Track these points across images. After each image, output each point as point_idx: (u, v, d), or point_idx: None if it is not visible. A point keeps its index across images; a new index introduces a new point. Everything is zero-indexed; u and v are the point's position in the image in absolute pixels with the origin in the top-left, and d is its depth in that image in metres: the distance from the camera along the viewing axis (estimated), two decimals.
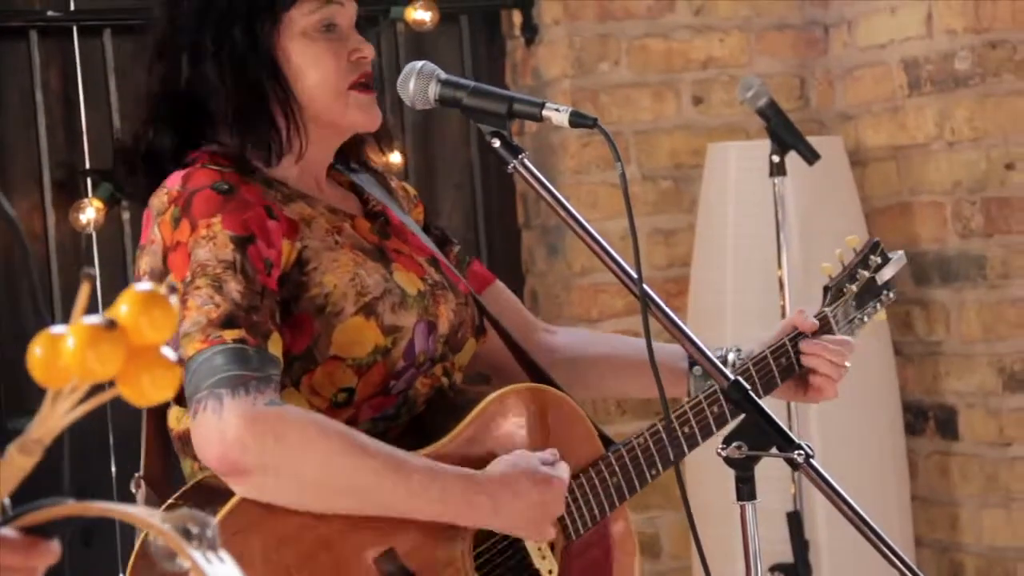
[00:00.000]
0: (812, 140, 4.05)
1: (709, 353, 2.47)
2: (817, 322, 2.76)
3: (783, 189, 4.00)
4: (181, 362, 2.33)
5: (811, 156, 4.00)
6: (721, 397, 2.63)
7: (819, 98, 4.79)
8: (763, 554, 2.70)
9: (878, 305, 2.86)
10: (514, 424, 2.65)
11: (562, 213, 2.52)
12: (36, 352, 1.32)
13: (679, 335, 2.45)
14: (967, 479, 4.43)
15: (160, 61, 2.60)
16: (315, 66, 2.59)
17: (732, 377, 2.42)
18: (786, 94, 4.64)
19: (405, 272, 2.61)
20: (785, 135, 3.99)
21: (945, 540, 4.51)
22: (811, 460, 2.36)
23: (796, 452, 2.36)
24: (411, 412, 2.61)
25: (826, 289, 2.82)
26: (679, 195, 4.63)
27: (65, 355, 1.30)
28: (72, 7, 4.41)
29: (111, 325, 1.30)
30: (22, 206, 4.31)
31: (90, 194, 4.31)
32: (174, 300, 1.34)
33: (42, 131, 4.30)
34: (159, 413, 2.58)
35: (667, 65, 4.67)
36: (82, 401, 1.33)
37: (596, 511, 2.66)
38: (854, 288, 2.82)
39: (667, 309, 2.48)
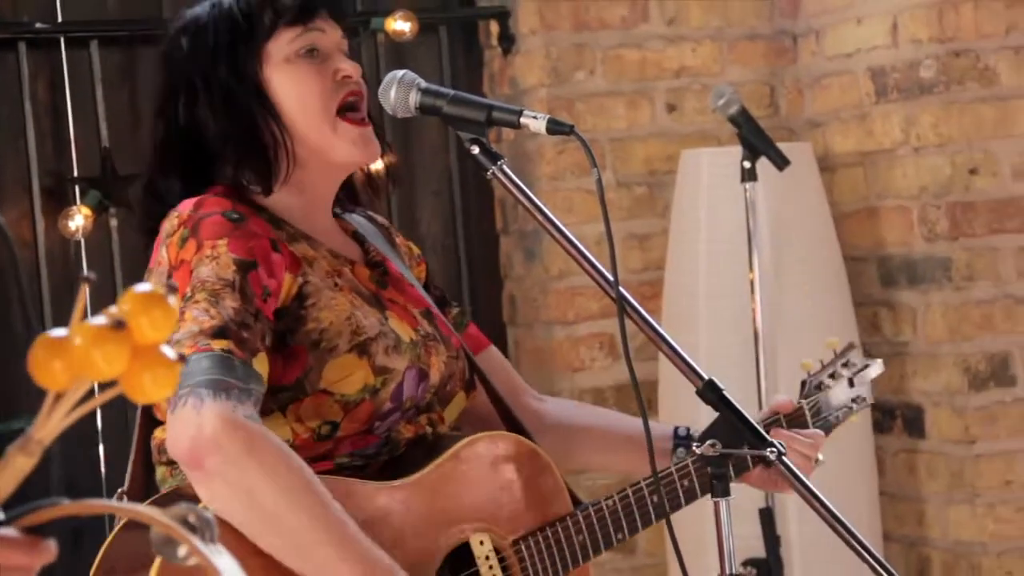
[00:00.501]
0: (782, 146, 4.06)
1: (684, 354, 2.47)
2: (794, 402, 2.75)
3: (754, 194, 4.01)
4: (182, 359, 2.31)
5: (781, 162, 4.01)
6: (692, 469, 2.60)
7: (789, 106, 4.79)
8: (736, 549, 2.71)
9: (855, 407, 2.84)
10: (487, 467, 2.64)
11: (540, 218, 2.52)
12: (37, 354, 1.31)
13: (654, 336, 2.46)
14: (934, 476, 4.44)
15: (161, 111, 2.62)
16: (298, 88, 2.59)
17: (707, 377, 2.41)
18: (757, 102, 4.65)
19: (399, 321, 2.61)
20: (756, 142, 4.01)
21: (912, 535, 4.51)
22: (783, 457, 2.39)
23: (768, 450, 2.39)
24: (391, 454, 2.60)
25: (803, 383, 2.80)
26: (653, 200, 4.64)
27: (72, 355, 1.30)
28: (60, 19, 4.41)
29: (119, 325, 1.30)
30: (12, 214, 4.30)
31: (78, 201, 4.31)
32: (173, 300, 1.33)
33: (31, 140, 4.30)
34: (148, 432, 2.57)
35: (641, 74, 4.67)
36: (81, 402, 1.33)
37: (559, 566, 2.64)
38: (832, 384, 2.81)
39: (643, 312, 2.49)
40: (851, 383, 2.83)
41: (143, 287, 1.34)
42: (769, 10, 4.77)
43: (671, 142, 4.63)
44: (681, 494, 2.61)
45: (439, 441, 2.63)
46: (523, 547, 2.63)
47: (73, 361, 1.30)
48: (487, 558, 2.60)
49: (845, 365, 2.83)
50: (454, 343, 2.71)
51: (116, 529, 2.46)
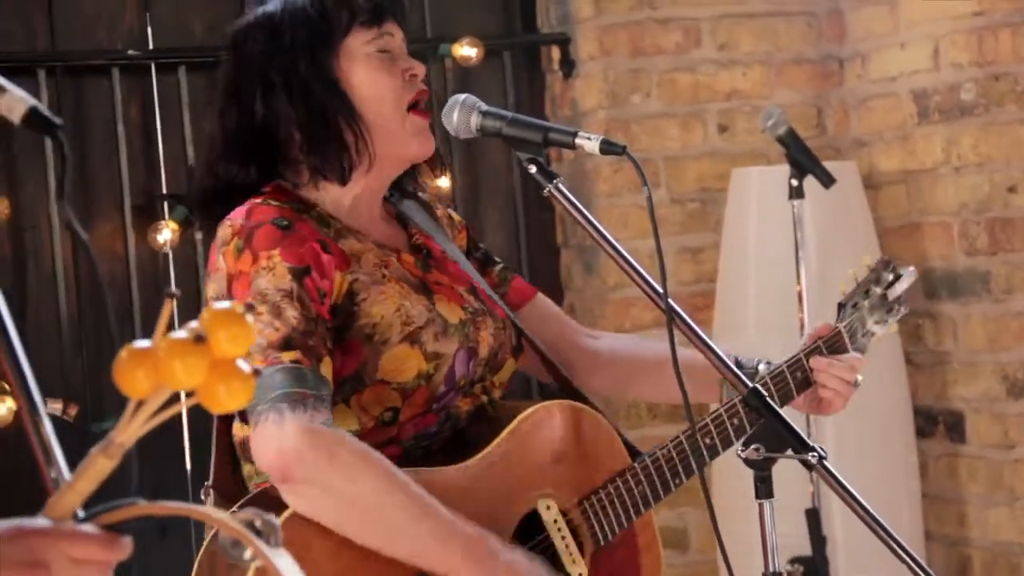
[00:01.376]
0: (828, 165, 4.05)
1: (729, 362, 2.47)
2: (834, 326, 2.74)
3: (801, 211, 4.00)
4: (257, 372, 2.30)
5: (827, 180, 4.00)
6: (740, 408, 2.60)
7: (835, 126, 4.77)
8: (783, 547, 2.68)
9: (890, 318, 2.82)
10: (545, 438, 2.64)
11: (593, 233, 2.51)
12: (121, 363, 1.33)
13: (701, 346, 2.45)
14: (974, 479, 4.43)
15: (232, 102, 2.61)
16: (375, 84, 2.59)
17: (751, 385, 2.42)
18: (804, 123, 4.63)
19: (447, 303, 2.61)
20: (803, 160, 3.99)
21: (953, 535, 4.49)
22: (824, 462, 2.36)
23: (810, 454, 2.36)
24: (453, 428, 2.61)
25: (840, 306, 2.79)
26: (705, 216, 4.63)
27: (154, 366, 1.32)
28: (151, 46, 4.43)
29: (199, 339, 1.32)
30: (105, 228, 4.34)
31: (166, 216, 4.33)
32: (250, 318, 1.35)
33: (123, 160, 4.32)
34: (226, 426, 2.60)
35: (694, 97, 4.66)
36: (161, 409, 1.35)
37: (623, 518, 2.65)
38: (866, 304, 2.79)
39: (690, 321, 2.46)
40: (885, 297, 2.81)
41: (222, 304, 1.36)
42: (816, 36, 4.76)
43: (722, 161, 4.61)
44: (731, 432, 2.61)
45: (498, 412, 2.64)
46: (587, 506, 2.63)
47: (155, 371, 1.32)
48: (555, 522, 2.60)
49: (877, 281, 2.80)
50: (499, 314, 2.71)
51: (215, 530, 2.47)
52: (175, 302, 1.37)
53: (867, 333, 2.80)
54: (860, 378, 2.71)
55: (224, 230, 2.50)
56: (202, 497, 2.62)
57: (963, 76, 4.35)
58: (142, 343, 1.33)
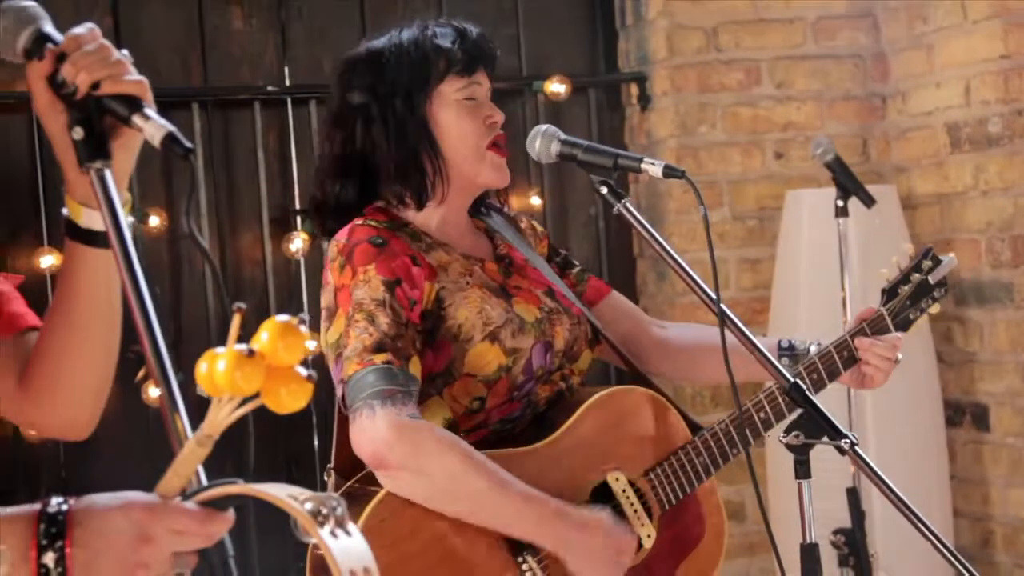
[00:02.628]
0: (871, 188, 4.00)
1: (773, 359, 2.43)
2: (877, 309, 2.69)
3: (846, 228, 3.96)
4: (343, 383, 2.30)
5: (868, 201, 3.95)
6: (806, 375, 2.58)
7: (877, 154, 4.76)
8: (829, 520, 2.64)
9: (931, 301, 2.75)
10: (613, 418, 2.63)
11: (655, 245, 2.51)
12: (201, 368, 1.33)
13: (747, 344, 2.43)
14: (997, 463, 4.43)
15: (337, 127, 2.62)
16: (460, 128, 2.60)
17: (792, 380, 2.39)
18: (851, 151, 4.62)
19: (524, 304, 2.60)
20: (848, 184, 3.94)
21: (978, 512, 4.50)
22: (855, 447, 2.33)
23: (843, 441, 2.34)
24: (534, 412, 2.60)
25: (883, 291, 2.75)
26: (763, 232, 4.62)
27: (217, 375, 1.31)
28: (287, 83, 4.44)
29: (251, 353, 1.31)
30: (247, 237, 4.39)
31: (298, 228, 4.37)
32: (304, 329, 1.33)
33: (262, 180, 4.35)
34: (344, 420, 2.56)
35: (754, 128, 4.66)
36: (240, 405, 1.34)
37: (686, 485, 2.64)
38: (907, 289, 2.74)
39: (738, 322, 2.44)
40: (927, 282, 2.75)
41: (281, 318, 1.34)
42: (862, 76, 4.73)
43: (778, 184, 4.62)
44: (784, 408, 2.58)
45: (573, 396, 2.63)
46: (653, 476, 2.62)
47: (218, 378, 1.32)
48: (624, 491, 2.59)
49: (919, 269, 2.75)
50: (575, 311, 2.69)
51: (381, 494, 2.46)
52: (244, 316, 1.35)
53: (909, 315, 2.73)
54: (900, 355, 2.67)
55: (332, 248, 2.53)
56: (324, 477, 2.64)
57: (990, 111, 4.33)
58: (220, 349, 1.33)
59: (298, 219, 4.40)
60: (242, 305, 1.36)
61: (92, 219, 1.71)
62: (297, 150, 4.42)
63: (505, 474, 2.46)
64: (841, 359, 2.68)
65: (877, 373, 2.68)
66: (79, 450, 4.06)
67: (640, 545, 2.60)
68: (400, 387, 2.41)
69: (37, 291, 3.93)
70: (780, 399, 2.60)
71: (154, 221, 4.28)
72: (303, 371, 1.34)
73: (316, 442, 4.36)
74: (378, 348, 2.43)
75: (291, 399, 1.34)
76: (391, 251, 2.50)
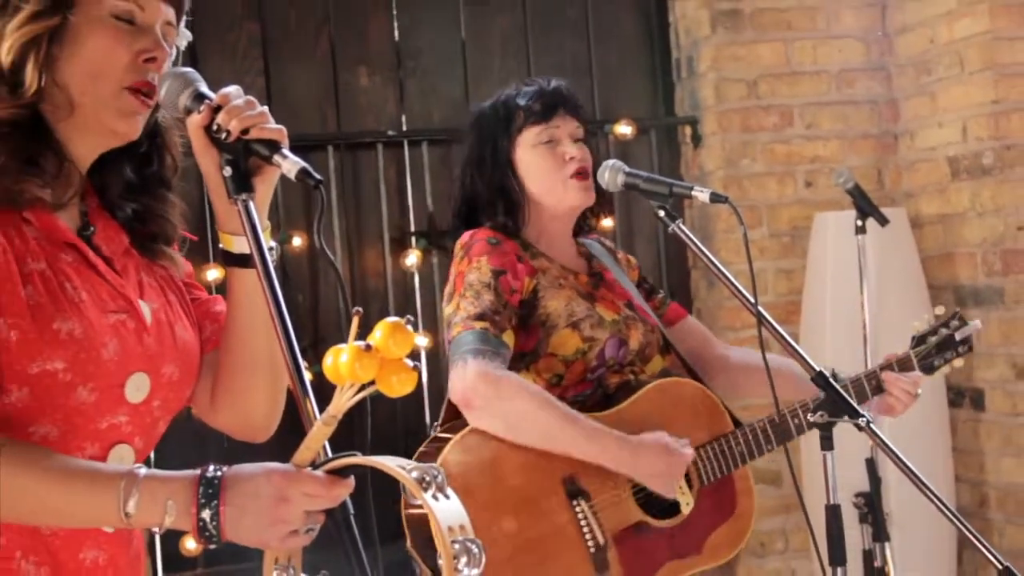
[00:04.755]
0: (885, 211, 3.86)
1: (803, 352, 2.42)
2: (907, 352, 2.69)
3: (864, 244, 3.80)
4: (450, 343, 2.30)
5: (883, 221, 3.77)
6: (813, 407, 2.45)
7: (890, 183, 4.72)
8: (851, 485, 2.61)
9: (955, 354, 2.73)
10: (669, 401, 2.64)
11: (703, 258, 2.51)
12: (327, 361, 1.35)
13: (782, 340, 2.42)
14: (991, 438, 4.40)
15: (463, 171, 2.72)
16: (538, 165, 2.64)
17: (818, 368, 2.38)
18: (868, 180, 4.59)
19: (605, 308, 2.63)
20: (866, 207, 3.77)
21: (976, 478, 4.46)
22: (871, 424, 2.33)
23: (860, 419, 2.34)
24: (604, 394, 2.61)
25: (913, 338, 2.73)
26: (795, 246, 4.58)
27: (341, 366, 1.34)
28: (404, 128, 4.43)
29: (368, 348, 1.33)
30: (371, 254, 4.38)
31: (413, 246, 4.36)
32: (411, 328, 1.36)
33: (384, 207, 4.35)
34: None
35: (787, 161, 4.62)
36: (358, 392, 1.37)
37: (723, 467, 2.62)
38: (935, 339, 2.72)
39: (775, 324, 2.44)
40: (953, 337, 2.74)
41: (392, 319, 1.36)
42: (877, 118, 4.70)
43: (808, 207, 4.58)
44: (809, 421, 2.48)
45: (637, 384, 2.64)
46: (699, 454, 2.61)
47: (341, 369, 1.34)
48: None
49: (946, 326, 2.74)
50: (651, 322, 2.69)
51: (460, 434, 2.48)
52: (363, 319, 1.36)
53: (933, 362, 2.71)
54: (920, 391, 2.65)
55: (457, 246, 2.61)
56: (432, 432, 2.64)
57: (984, 147, 4.32)
58: (340, 346, 1.34)
59: (412, 239, 4.40)
60: (359, 309, 1.36)
61: (242, 245, 1.70)
62: (412, 182, 4.42)
63: (573, 411, 2.46)
64: (869, 386, 2.66)
65: (898, 403, 2.66)
66: None
67: (678, 511, 2.58)
68: (492, 348, 2.44)
69: None
70: (809, 414, 2.51)
71: (297, 241, 4.30)
72: (410, 363, 1.35)
73: (427, 419, 4.37)
74: (479, 317, 2.47)
75: (401, 385, 1.34)
76: (502, 249, 2.57)
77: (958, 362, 2.76)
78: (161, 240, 1.73)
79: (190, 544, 3.99)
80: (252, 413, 1.75)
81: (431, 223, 4.40)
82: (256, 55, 4.33)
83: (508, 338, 2.49)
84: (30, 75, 1.58)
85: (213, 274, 4.14)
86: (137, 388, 1.60)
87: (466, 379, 2.42)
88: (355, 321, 1.34)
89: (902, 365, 2.69)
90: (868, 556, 3.31)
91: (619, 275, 2.77)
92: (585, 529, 2.48)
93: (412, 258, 4.38)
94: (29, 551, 1.55)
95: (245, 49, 4.33)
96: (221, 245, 1.73)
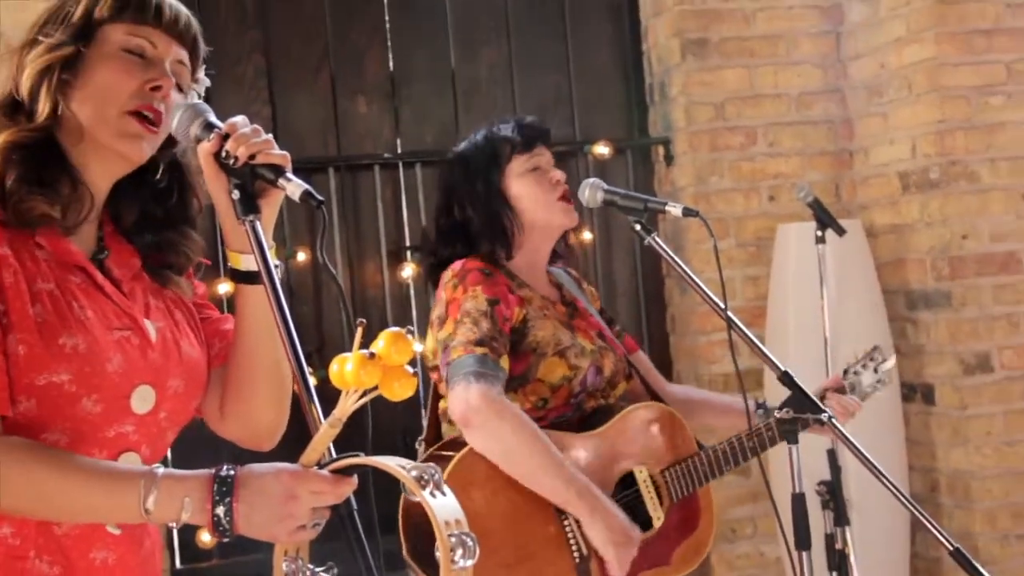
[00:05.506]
0: (842, 222, 3.92)
1: (769, 353, 2.43)
2: (840, 380, 2.69)
3: (824, 252, 3.87)
4: (447, 364, 2.23)
5: (841, 231, 3.87)
6: (773, 426, 2.50)
7: (846, 196, 4.73)
8: (815, 474, 2.59)
9: (878, 387, 2.75)
10: (641, 426, 2.61)
11: (676, 268, 2.55)
12: (333, 368, 1.35)
13: (749, 342, 2.46)
14: (941, 429, 4.40)
15: (443, 207, 2.66)
16: (529, 191, 2.62)
17: (783, 368, 2.40)
18: (826, 194, 4.59)
19: (583, 337, 2.61)
20: (825, 219, 3.84)
21: (927, 466, 4.46)
22: (832, 420, 2.37)
23: (823, 415, 2.38)
24: (581, 416, 2.60)
25: (844, 371, 2.73)
26: (761, 256, 4.58)
27: (346, 373, 1.34)
28: (399, 151, 4.42)
29: (372, 356, 1.33)
30: (369, 266, 4.36)
31: (409, 259, 4.35)
32: (411, 337, 1.35)
33: (381, 223, 4.33)
34: (436, 402, 2.60)
35: (752, 177, 4.62)
36: (362, 397, 1.37)
37: (691, 485, 2.61)
38: (862, 372, 2.73)
39: (743, 327, 2.45)
40: (876, 371, 2.75)
41: (393, 329, 1.35)
42: (834, 136, 4.69)
43: (772, 219, 4.58)
44: (767, 440, 2.58)
45: (612, 408, 2.62)
46: (667, 474, 2.61)
47: (346, 376, 1.34)
48: (645, 481, 2.59)
49: (871, 359, 2.76)
50: (618, 351, 2.68)
51: (461, 453, 2.46)
52: (366, 330, 1.35)
53: (862, 391, 2.72)
54: (858, 412, 2.66)
55: (447, 274, 2.56)
56: (416, 446, 2.64)
57: (931, 163, 4.33)
58: (345, 355, 1.34)
59: (408, 253, 4.39)
60: (363, 320, 1.36)
61: (248, 262, 1.69)
62: (407, 201, 4.41)
63: (560, 456, 2.43)
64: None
65: (839, 417, 2.61)
66: None
67: (651, 526, 2.57)
68: (492, 372, 2.41)
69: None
70: (765, 435, 2.56)
71: (301, 256, 4.30)
72: (410, 369, 1.35)
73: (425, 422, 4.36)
74: (479, 343, 2.43)
75: (402, 390, 1.35)
76: (495, 280, 2.53)
77: (880, 394, 2.78)
78: (173, 270, 1.72)
79: (205, 537, 4.00)
80: (258, 423, 1.74)
81: (425, 238, 4.34)
82: (263, 86, 4.34)
83: (504, 363, 2.46)
84: (43, 101, 1.59)
85: (224, 288, 4.15)
86: (143, 400, 1.59)
87: (469, 400, 2.38)
88: (359, 332, 1.34)
89: (838, 391, 2.69)
90: (830, 539, 3.32)
91: (587, 304, 2.76)
92: (572, 541, 2.47)
93: (408, 271, 4.37)
94: (43, 550, 1.54)
95: (252, 81, 4.34)
96: (229, 263, 1.72)
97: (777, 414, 2.43)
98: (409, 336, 1.35)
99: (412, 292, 4.42)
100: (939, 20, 4.26)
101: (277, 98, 4.34)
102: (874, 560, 4.13)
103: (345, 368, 1.32)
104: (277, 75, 4.35)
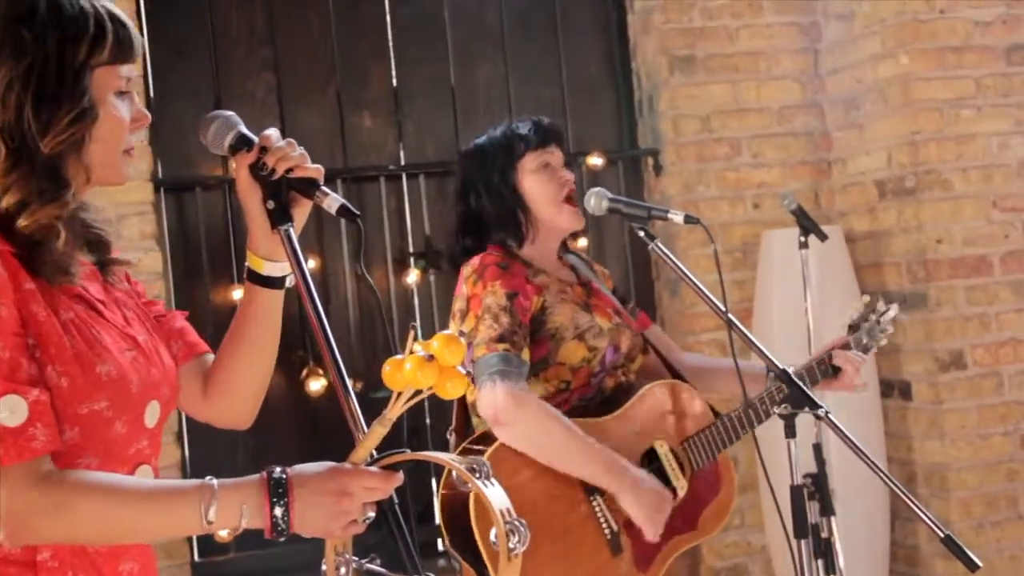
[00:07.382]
0: (824, 228, 3.75)
1: (767, 352, 2.44)
2: (845, 338, 2.70)
3: (807, 257, 3.68)
4: (472, 362, 2.29)
5: (822, 237, 3.63)
6: (775, 393, 2.54)
7: (826, 203, 4.73)
8: (801, 466, 2.67)
9: (882, 336, 2.75)
10: (660, 402, 2.64)
11: (678, 273, 2.55)
12: (386, 369, 1.35)
13: (750, 343, 2.45)
14: (917, 424, 4.41)
15: (460, 198, 2.67)
16: (540, 189, 2.62)
17: (782, 367, 2.42)
18: (807, 201, 4.61)
19: (601, 317, 2.60)
20: (807, 225, 3.61)
21: (905, 458, 4.47)
22: (829, 415, 2.35)
23: (820, 411, 2.37)
24: (603, 395, 2.62)
25: (849, 327, 2.74)
26: (746, 260, 4.59)
27: (405, 373, 1.34)
28: (402, 163, 4.42)
29: (431, 359, 1.34)
30: (377, 272, 4.36)
31: (412, 266, 4.35)
32: (463, 340, 1.36)
33: (387, 232, 4.34)
34: (464, 395, 2.53)
35: (737, 186, 4.63)
36: (412, 397, 1.38)
37: (710, 453, 2.62)
38: (866, 326, 2.73)
39: (742, 327, 2.46)
40: (878, 322, 2.74)
41: (448, 332, 1.36)
42: (814, 147, 4.71)
43: (756, 226, 4.59)
44: (771, 407, 2.57)
45: (631, 386, 2.63)
46: (687, 445, 2.62)
47: (405, 376, 1.34)
48: (666, 455, 2.60)
49: (874, 311, 2.75)
50: (634, 327, 2.68)
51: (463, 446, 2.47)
52: (416, 332, 1.37)
53: (867, 342, 2.72)
54: (865, 358, 2.66)
55: (467, 269, 2.55)
56: (447, 436, 2.62)
57: (906, 172, 4.34)
58: (399, 356, 1.34)
59: (412, 259, 4.39)
60: (415, 324, 1.38)
61: (271, 268, 1.68)
62: (411, 210, 4.41)
63: (586, 437, 2.44)
64: (821, 370, 2.66)
65: (854, 373, 2.63)
66: (262, 432, 4.07)
67: (676, 495, 2.58)
68: (515, 368, 2.40)
69: (230, 316, 3.96)
70: (768, 401, 2.57)
71: (311, 263, 4.29)
72: (462, 369, 1.36)
73: (427, 420, 4.34)
74: (500, 339, 2.42)
75: (454, 390, 1.35)
76: (512, 272, 2.52)
77: (884, 342, 2.76)
78: (103, 249, 1.65)
79: (222, 532, 4.00)
80: (242, 407, 1.74)
81: (428, 245, 4.40)
82: (272, 101, 4.33)
83: (525, 355, 2.46)
84: (72, 168, 1.52)
85: (238, 294, 4.16)
86: (152, 414, 1.59)
87: (496, 400, 2.38)
88: (411, 335, 1.35)
89: (844, 350, 2.68)
90: (816, 528, 3.35)
91: (601, 285, 2.76)
92: (601, 518, 2.49)
93: (412, 276, 4.37)
94: (79, 569, 1.52)
95: (263, 96, 4.34)
96: (248, 265, 1.70)
97: (776, 410, 2.43)
98: (462, 339, 1.35)
99: (416, 296, 4.42)
100: (912, 37, 4.29)
101: (286, 113, 4.32)
102: (856, 548, 4.15)
103: (404, 369, 1.33)
104: (286, 91, 4.34)
